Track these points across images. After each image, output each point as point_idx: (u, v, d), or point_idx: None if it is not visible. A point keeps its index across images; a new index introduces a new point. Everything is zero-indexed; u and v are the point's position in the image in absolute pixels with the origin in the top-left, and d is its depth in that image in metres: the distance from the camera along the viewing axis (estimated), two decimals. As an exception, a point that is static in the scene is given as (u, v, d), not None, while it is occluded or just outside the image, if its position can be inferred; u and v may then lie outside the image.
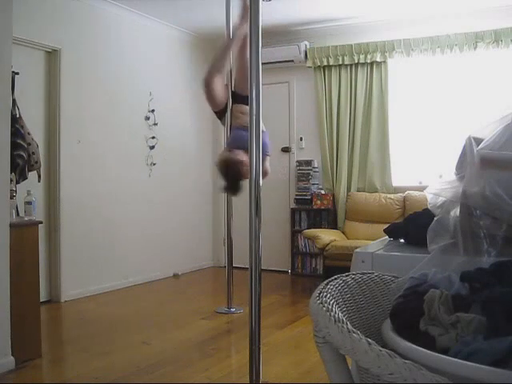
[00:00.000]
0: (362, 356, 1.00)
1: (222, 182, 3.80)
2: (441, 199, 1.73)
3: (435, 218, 1.71)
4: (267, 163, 3.85)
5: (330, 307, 1.15)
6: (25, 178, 3.82)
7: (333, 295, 1.25)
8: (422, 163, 5.80)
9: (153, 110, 6.06)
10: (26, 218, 3.53)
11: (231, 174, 3.68)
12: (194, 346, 3.73)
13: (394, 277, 1.51)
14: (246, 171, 3.34)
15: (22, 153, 3.73)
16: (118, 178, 5.60)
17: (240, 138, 3.67)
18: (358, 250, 2.04)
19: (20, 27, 4.35)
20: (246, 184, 3.47)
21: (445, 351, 1.09)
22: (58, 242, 5.00)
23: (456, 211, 1.59)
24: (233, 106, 4.05)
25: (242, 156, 3.62)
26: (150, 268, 5.97)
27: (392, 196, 5.90)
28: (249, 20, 2.49)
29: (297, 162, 6.50)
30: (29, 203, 3.58)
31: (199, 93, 6.83)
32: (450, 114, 5.62)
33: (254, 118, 2.49)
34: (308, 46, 6.33)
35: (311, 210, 6.29)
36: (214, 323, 4.38)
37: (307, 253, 6.25)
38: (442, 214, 1.67)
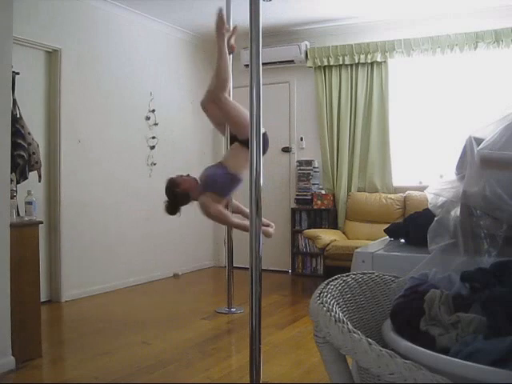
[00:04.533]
0: (362, 356, 1.00)
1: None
2: (441, 199, 1.73)
3: (435, 218, 1.71)
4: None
5: (330, 307, 1.15)
6: (25, 177, 3.82)
7: (333, 295, 1.26)
8: (423, 163, 5.80)
9: (153, 110, 6.06)
10: (26, 218, 3.53)
11: (169, 196, 4.06)
12: (195, 346, 3.73)
13: (394, 277, 1.51)
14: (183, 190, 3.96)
15: (23, 153, 3.74)
16: (119, 177, 5.60)
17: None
18: (358, 250, 2.04)
19: (20, 27, 4.35)
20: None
21: (445, 351, 1.09)
22: (59, 242, 5.00)
23: (456, 211, 1.59)
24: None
25: (182, 180, 4.05)
26: (151, 268, 5.97)
27: (392, 196, 5.90)
28: (249, 20, 2.49)
29: (297, 161, 6.50)
30: (29, 203, 3.58)
31: (200, 93, 6.86)
32: (450, 113, 5.62)
33: (255, 118, 2.49)
34: (308, 46, 6.33)
35: (311, 210, 6.29)
36: (215, 323, 4.38)
37: (307, 253, 6.25)
38: (443, 214, 1.68)
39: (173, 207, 4.06)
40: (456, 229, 1.57)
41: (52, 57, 5.02)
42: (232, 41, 4.16)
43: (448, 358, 1.05)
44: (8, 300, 3.19)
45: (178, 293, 5.67)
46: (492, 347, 1.02)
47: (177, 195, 4.00)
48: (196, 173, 5.87)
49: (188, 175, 4.10)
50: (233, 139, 4.15)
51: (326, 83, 6.32)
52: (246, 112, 3.93)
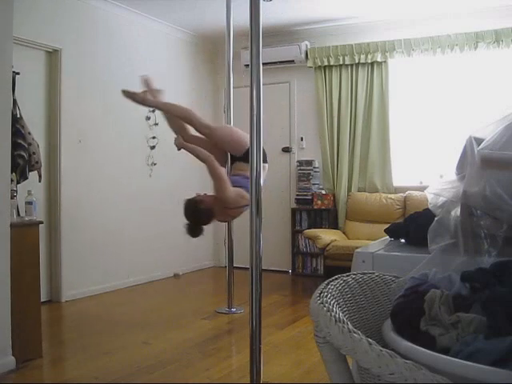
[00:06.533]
0: (362, 356, 1.00)
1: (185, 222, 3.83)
2: (441, 199, 1.73)
3: (436, 218, 1.71)
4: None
5: (330, 307, 1.15)
6: (25, 177, 3.82)
7: (333, 295, 1.26)
8: (423, 163, 5.80)
9: (153, 110, 6.04)
10: (26, 218, 3.53)
11: (190, 216, 3.75)
12: (195, 346, 3.73)
13: (394, 277, 1.51)
14: (208, 211, 3.69)
15: (23, 153, 3.74)
16: (119, 177, 5.60)
17: (237, 182, 3.82)
18: (358, 250, 2.04)
19: (20, 27, 4.35)
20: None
21: (445, 351, 1.09)
22: (59, 242, 5.00)
23: (456, 211, 1.59)
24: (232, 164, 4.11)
25: (200, 197, 3.79)
26: (151, 268, 5.97)
27: (393, 196, 5.90)
28: (249, 20, 2.50)
29: (297, 161, 6.50)
30: (29, 203, 3.58)
31: (200, 93, 6.86)
32: (450, 113, 5.62)
33: (255, 118, 2.49)
34: (308, 46, 6.33)
35: (312, 210, 6.29)
36: (215, 323, 4.38)
37: (308, 253, 6.25)
38: (443, 214, 1.68)
39: (196, 228, 3.78)
40: (456, 229, 1.57)
41: (52, 57, 5.02)
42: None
43: (448, 358, 1.05)
44: (8, 300, 3.19)
45: (178, 293, 5.67)
46: (492, 347, 1.02)
47: (201, 213, 3.71)
48: (196, 173, 5.88)
49: (205, 194, 3.88)
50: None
51: (326, 83, 6.32)
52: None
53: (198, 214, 3.72)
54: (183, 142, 3.96)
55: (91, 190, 5.28)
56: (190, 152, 3.97)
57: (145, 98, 3.97)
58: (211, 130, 3.94)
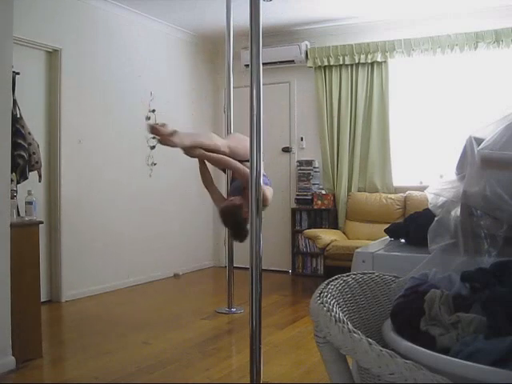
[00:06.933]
0: (362, 356, 1.00)
1: (229, 231, 3.72)
2: (441, 199, 1.73)
3: (436, 218, 1.71)
4: (267, 192, 3.61)
5: (330, 307, 1.15)
6: (25, 177, 3.82)
7: (333, 295, 1.26)
8: (423, 163, 5.80)
9: (153, 110, 6.06)
10: (26, 218, 3.53)
11: (233, 221, 3.60)
12: (195, 346, 3.73)
13: (394, 277, 1.51)
14: (246, 212, 3.39)
15: (23, 153, 3.74)
16: (119, 177, 5.59)
17: (238, 187, 3.72)
18: (358, 250, 2.04)
19: (20, 27, 4.35)
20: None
21: (445, 351, 1.09)
22: (59, 242, 5.00)
23: (457, 211, 1.59)
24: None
25: (237, 200, 3.63)
26: (151, 268, 5.97)
27: (393, 196, 5.90)
28: (249, 20, 2.50)
29: (297, 161, 6.50)
30: (29, 203, 3.58)
31: (200, 93, 6.87)
32: (450, 113, 5.62)
33: (255, 118, 2.49)
34: (308, 46, 6.33)
35: (312, 210, 6.29)
36: (215, 323, 4.38)
37: (308, 253, 6.25)
38: (443, 214, 1.68)
39: (243, 231, 3.55)
40: (456, 229, 1.57)
41: (52, 57, 5.02)
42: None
43: (448, 358, 1.05)
44: (8, 300, 3.19)
45: (178, 293, 5.67)
46: (492, 347, 1.02)
47: (243, 216, 3.50)
48: (196, 172, 5.87)
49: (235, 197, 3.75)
50: None
51: (327, 83, 6.32)
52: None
53: (241, 217, 3.55)
54: (204, 152, 3.72)
55: (91, 190, 5.28)
56: (214, 162, 3.84)
57: (183, 141, 3.67)
58: (231, 148, 3.78)
